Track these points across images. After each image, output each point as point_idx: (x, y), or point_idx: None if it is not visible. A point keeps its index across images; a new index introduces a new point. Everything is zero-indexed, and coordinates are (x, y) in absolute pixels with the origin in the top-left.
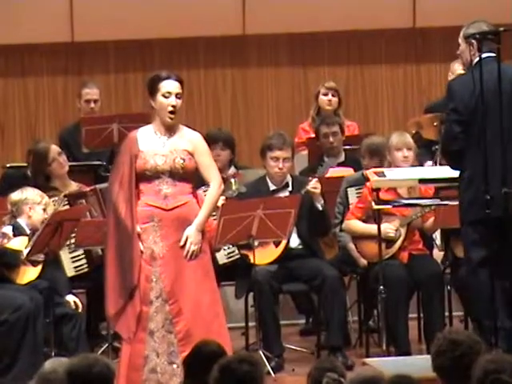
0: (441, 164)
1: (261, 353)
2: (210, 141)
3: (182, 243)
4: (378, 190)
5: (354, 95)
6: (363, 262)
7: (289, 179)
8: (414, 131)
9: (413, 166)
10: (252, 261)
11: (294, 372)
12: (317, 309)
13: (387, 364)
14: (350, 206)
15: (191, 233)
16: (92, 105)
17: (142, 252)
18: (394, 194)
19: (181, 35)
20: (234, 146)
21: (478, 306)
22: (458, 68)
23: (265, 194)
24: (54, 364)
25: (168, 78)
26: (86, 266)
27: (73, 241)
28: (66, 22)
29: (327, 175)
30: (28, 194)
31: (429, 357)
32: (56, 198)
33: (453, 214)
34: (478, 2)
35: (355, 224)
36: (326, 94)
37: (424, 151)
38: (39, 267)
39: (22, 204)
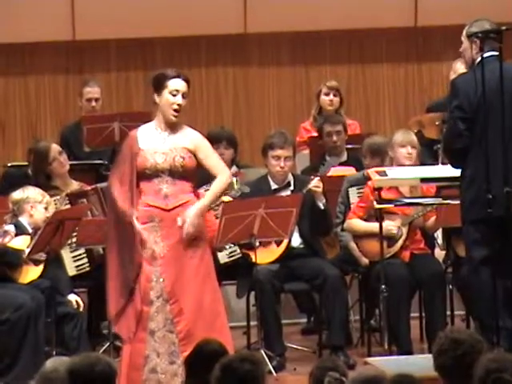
0: (443, 163)
1: (262, 352)
2: (213, 140)
3: (180, 223)
4: (379, 189)
5: (356, 94)
6: (365, 261)
7: (290, 178)
8: (415, 130)
9: (415, 165)
10: (253, 260)
11: (295, 371)
12: (318, 308)
13: (389, 363)
14: (352, 206)
15: (191, 214)
16: (93, 103)
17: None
18: (396, 193)
19: (182, 34)
20: (237, 145)
21: (480, 305)
22: (460, 67)
23: (266, 193)
24: (56, 363)
25: (177, 76)
26: (87, 265)
27: (74, 240)
28: (68, 21)
29: (329, 174)
30: (29, 193)
31: (431, 356)
32: (58, 197)
33: (454, 213)
34: (480, 0)
35: (357, 223)
36: (327, 94)
37: (426, 150)
38: (41, 266)
39: (24, 203)
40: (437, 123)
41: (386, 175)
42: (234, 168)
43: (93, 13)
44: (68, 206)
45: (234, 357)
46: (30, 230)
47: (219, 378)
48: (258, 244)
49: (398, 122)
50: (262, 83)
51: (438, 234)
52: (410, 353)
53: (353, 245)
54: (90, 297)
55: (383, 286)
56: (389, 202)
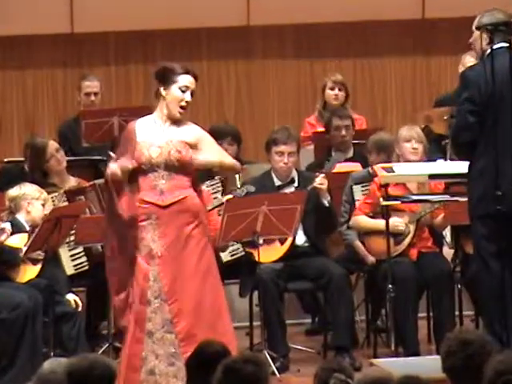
0: (451, 159)
1: (266, 353)
2: (217, 135)
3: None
4: (386, 185)
5: (362, 88)
6: (371, 259)
7: (294, 174)
8: (423, 125)
9: (422, 160)
10: (257, 258)
11: (299, 373)
12: (323, 308)
13: (396, 365)
14: (356, 203)
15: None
16: (92, 98)
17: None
18: (403, 190)
19: (183, 26)
20: (241, 141)
21: (489, 304)
22: (469, 60)
23: (270, 189)
24: (53, 364)
25: (187, 72)
26: (85, 263)
27: (72, 238)
28: (66, 13)
29: (334, 170)
30: (26, 190)
31: (439, 357)
32: (55, 194)
33: (463, 210)
34: None
35: (363, 220)
36: (332, 89)
37: (434, 146)
38: (39, 265)
39: (21, 200)
40: (445, 118)
41: (393, 171)
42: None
43: (92, 5)
44: (66, 204)
45: (237, 358)
46: (28, 228)
47: (221, 380)
48: (261, 242)
49: (405, 117)
50: (266, 77)
51: (447, 232)
52: (417, 354)
53: (358, 244)
54: (89, 296)
55: (390, 286)
56: (396, 198)
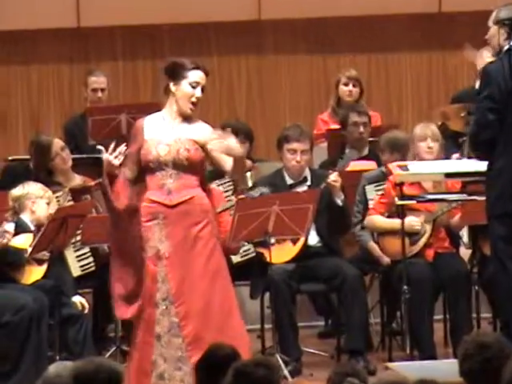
0: (468, 157)
1: (277, 356)
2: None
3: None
4: (401, 184)
5: (376, 84)
6: (386, 259)
7: (307, 173)
8: (439, 122)
9: (438, 158)
10: (268, 259)
11: (312, 377)
12: (336, 310)
13: (411, 368)
14: (370, 203)
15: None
16: (99, 94)
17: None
18: (419, 189)
19: (192, 20)
20: (253, 139)
21: (506, 306)
22: (486, 56)
23: (282, 188)
24: (59, 368)
25: (198, 68)
26: (92, 264)
27: (78, 238)
28: (72, 7)
29: (348, 168)
30: (30, 189)
31: (455, 361)
32: (61, 193)
33: (481, 209)
34: None
35: (378, 219)
36: (346, 84)
37: (450, 143)
38: (44, 266)
39: (25, 199)
40: (462, 115)
41: (408, 170)
42: (249, 162)
43: None
44: (71, 203)
45: (248, 361)
46: (33, 228)
47: None
48: (272, 242)
49: (421, 114)
50: (277, 73)
51: (464, 232)
52: (433, 357)
53: (372, 244)
54: (96, 298)
55: (405, 287)
56: (411, 198)
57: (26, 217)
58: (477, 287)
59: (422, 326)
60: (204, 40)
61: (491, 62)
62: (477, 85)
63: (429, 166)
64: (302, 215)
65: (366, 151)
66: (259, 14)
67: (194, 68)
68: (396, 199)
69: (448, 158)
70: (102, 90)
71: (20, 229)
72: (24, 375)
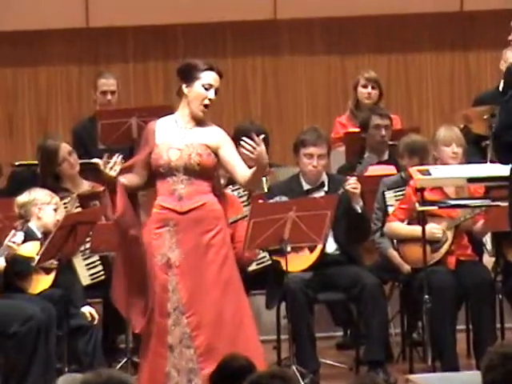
0: (492, 161)
1: (294, 368)
2: (243, 136)
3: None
4: (422, 189)
5: (396, 86)
6: (407, 268)
7: (324, 178)
8: (462, 125)
9: (461, 163)
10: (284, 267)
11: None
12: (355, 320)
13: (433, 380)
14: (389, 209)
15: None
16: (109, 97)
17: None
18: (441, 194)
19: (206, 20)
20: (269, 143)
21: None
22: (510, 56)
23: (298, 194)
24: (68, 381)
25: (211, 69)
26: (102, 273)
27: (87, 246)
28: (81, 6)
29: (367, 173)
30: (36, 195)
31: (478, 373)
32: (68, 200)
33: (505, 215)
34: None
35: (398, 226)
36: (365, 86)
37: (473, 147)
38: (52, 275)
39: (31, 205)
40: (485, 117)
41: (430, 174)
42: None
43: None
44: (79, 209)
45: (263, 373)
46: (40, 235)
47: None
48: (289, 250)
49: (443, 117)
50: (294, 74)
51: (487, 239)
52: (455, 369)
53: (393, 252)
54: (106, 308)
55: (426, 296)
56: (432, 203)
57: (32, 224)
58: (501, 296)
59: (444, 336)
60: (218, 40)
61: None
62: (501, 86)
63: (451, 171)
64: (320, 222)
65: (386, 156)
66: (275, 14)
67: (207, 69)
68: (417, 205)
69: (470, 162)
70: (112, 92)
71: (27, 236)
72: None
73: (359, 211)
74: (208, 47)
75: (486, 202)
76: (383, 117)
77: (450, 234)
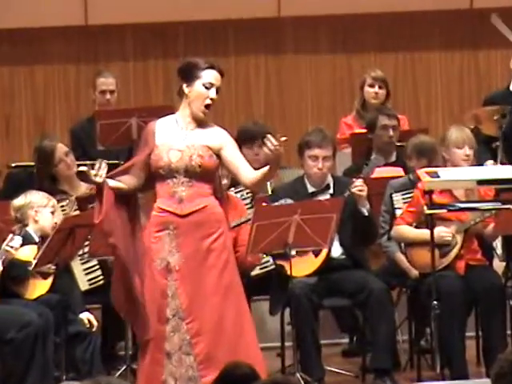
0: (502, 163)
1: (298, 376)
2: (246, 138)
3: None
4: (430, 192)
5: (404, 85)
6: (415, 273)
7: (330, 180)
8: (471, 126)
9: (472, 165)
10: (288, 272)
11: None
12: (362, 326)
13: None
14: (397, 212)
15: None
16: (108, 96)
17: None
18: (450, 197)
19: (208, 18)
20: None
21: None
22: None
23: (303, 196)
24: None
25: (212, 67)
26: (100, 278)
27: (86, 250)
28: (79, 3)
29: (373, 175)
30: (32, 198)
31: (488, 381)
32: (66, 202)
33: None
34: None
35: (405, 229)
36: (372, 86)
37: (483, 148)
38: (50, 280)
39: (27, 208)
40: (495, 118)
41: (438, 176)
42: None
43: None
44: (77, 212)
45: (267, 381)
46: (37, 239)
47: None
48: (293, 254)
49: (452, 117)
50: (298, 73)
51: (497, 243)
52: (465, 377)
53: (400, 256)
54: (105, 314)
55: (435, 302)
56: (441, 206)
57: (29, 228)
58: (511, 302)
59: (453, 343)
60: (220, 39)
61: None
62: (511, 86)
63: (460, 173)
64: (325, 225)
65: (393, 157)
66: (279, 11)
67: (207, 67)
68: (425, 208)
69: (481, 164)
70: (111, 92)
71: (24, 240)
72: None
73: (366, 214)
74: (209, 45)
75: (497, 204)
76: (390, 117)
77: (459, 238)
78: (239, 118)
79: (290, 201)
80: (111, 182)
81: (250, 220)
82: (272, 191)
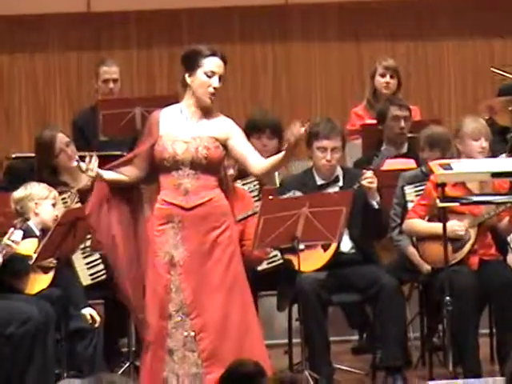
0: None
1: (307, 374)
2: (254, 128)
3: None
4: (443, 184)
5: (416, 74)
6: (427, 267)
7: (339, 172)
8: (486, 117)
9: (486, 157)
10: (297, 267)
11: None
12: (372, 323)
13: None
14: (409, 206)
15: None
16: (111, 85)
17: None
18: (463, 190)
19: (213, 5)
20: (282, 135)
21: None
22: None
23: (311, 188)
24: None
25: (214, 54)
26: (103, 272)
27: (88, 243)
28: None
29: (384, 167)
30: (33, 190)
31: (502, 379)
32: (68, 194)
33: None
34: None
35: (418, 223)
36: (383, 75)
37: (497, 139)
38: (51, 274)
39: (27, 201)
40: (510, 108)
41: (451, 169)
42: None
43: None
44: (79, 204)
45: (274, 379)
46: (38, 232)
47: None
48: (301, 248)
49: (466, 108)
50: (306, 62)
51: None
52: (478, 375)
53: (412, 250)
54: (107, 310)
55: (447, 298)
56: (454, 199)
57: (30, 221)
58: None
59: (466, 340)
60: (226, 26)
61: None
62: None
63: (474, 165)
64: (334, 218)
65: (404, 148)
66: None
67: (209, 55)
68: (437, 201)
69: (495, 155)
70: (115, 80)
71: (25, 233)
72: None
73: (376, 207)
74: (215, 33)
75: None
76: (402, 107)
77: (472, 232)
78: (246, 108)
79: (298, 193)
80: (110, 174)
81: (257, 213)
82: (280, 183)
